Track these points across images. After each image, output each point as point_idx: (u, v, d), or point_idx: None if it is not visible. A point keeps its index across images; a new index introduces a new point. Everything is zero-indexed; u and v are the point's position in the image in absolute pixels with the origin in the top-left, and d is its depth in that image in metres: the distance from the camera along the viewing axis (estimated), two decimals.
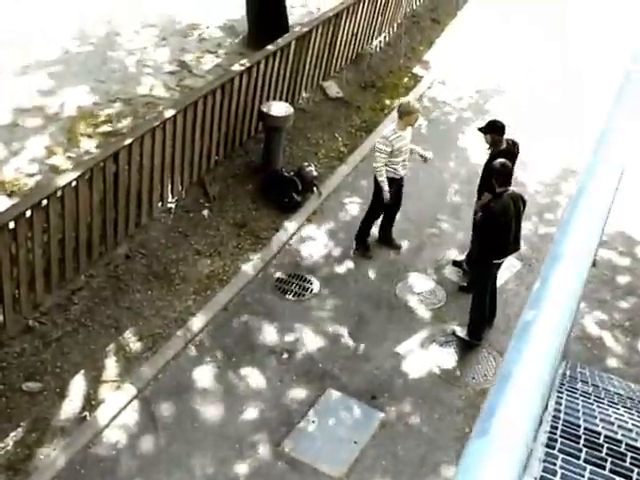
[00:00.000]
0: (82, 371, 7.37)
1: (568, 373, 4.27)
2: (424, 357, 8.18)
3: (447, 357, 8.21)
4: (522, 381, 1.24)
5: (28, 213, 7.02)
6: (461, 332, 8.40)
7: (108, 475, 6.65)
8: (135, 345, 7.74)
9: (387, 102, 12.32)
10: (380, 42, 13.52)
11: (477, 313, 8.22)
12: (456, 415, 7.52)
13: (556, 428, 3.20)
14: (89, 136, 9.68)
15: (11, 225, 6.84)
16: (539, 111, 12.58)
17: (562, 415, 3.40)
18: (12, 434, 6.71)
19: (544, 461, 2.84)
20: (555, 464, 2.77)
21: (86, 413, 7.04)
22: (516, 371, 1.26)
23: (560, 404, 3.49)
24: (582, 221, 1.57)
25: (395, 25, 14.00)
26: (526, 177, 11.17)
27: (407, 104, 8.91)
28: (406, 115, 8.70)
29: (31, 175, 8.88)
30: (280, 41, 10.49)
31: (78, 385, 7.25)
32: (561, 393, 3.68)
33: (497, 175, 7.76)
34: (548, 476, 2.72)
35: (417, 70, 13.51)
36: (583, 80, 13.46)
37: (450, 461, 7.04)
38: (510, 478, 1.11)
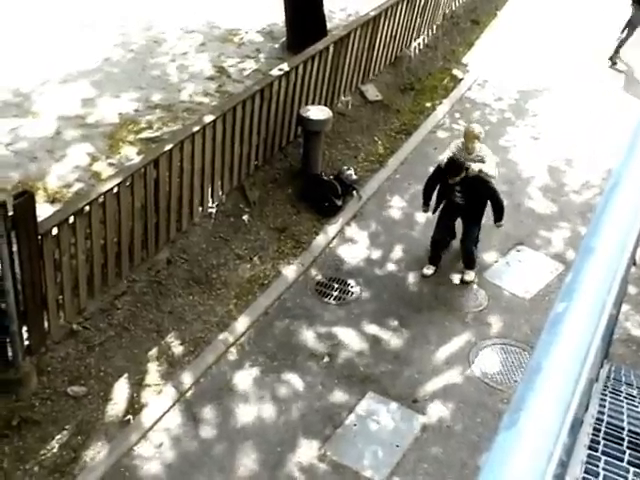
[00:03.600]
0: (125, 375, 7.45)
1: (612, 376, 4.20)
2: (465, 360, 8.11)
3: (489, 360, 8.13)
4: (551, 373, 1.22)
5: (71, 219, 7.12)
6: (468, 276, 8.99)
7: (151, 477, 6.71)
8: (177, 349, 7.80)
9: (427, 105, 12.28)
10: (419, 44, 13.47)
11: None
12: (499, 419, 7.41)
13: (599, 430, 3.15)
14: (130, 143, 9.80)
15: (54, 231, 6.94)
16: (582, 110, 12.43)
17: (605, 417, 3.35)
18: (57, 437, 6.80)
19: (586, 463, 2.79)
20: (597, 466, 2.72)
21: (130, 416, 7.11)
22: (545, 364, 1.24)
23: (604, 406, 3.44)
24: (615, 214, 1.54)
25: (434, 27, 13.94)
26: (570, 177, 11.06)
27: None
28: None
29: (73, 182, 9.01)
30: (319, 45, 10.50)
31: (121, 389, 7.33)
32: (604, 395, 3.62)
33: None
34: (590, 477, 2.68)
35: (456, 72, 13.44)
36: (631, 80, 13.26)
37: None
38: (537, 470, 1.09)
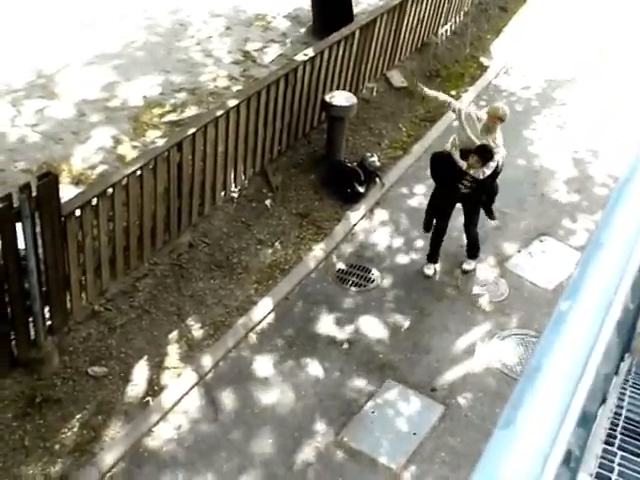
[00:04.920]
0: (145, 357, 7.50)
1: (634, 369, 4.17)
2: (485, 350, 8.08)
3: (508, 351, 8.10)
4: (551, 373, 1.21)
5: (94, 201, 7.17)
6: (468, 265, 8.93)
7: (170, 459, 6.77)
8: (197, 332, 7.85)
9: (452, 92, 12.18)
10: (446, 31, 13.36)
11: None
12: None
13: (617, 425, 3.12)
14: (154, 126, 9.84)
15: (77, 213, 6.99)
16: (610, 101, 12.28)
17: (624, 412, 3.32)
18: (78, 416, 6.88)
19: (601, 457, 2.78)
20: (613, 461, 2.70)
21: (149, 398, 7.17)
22: (545, 363, 1.23)
23: (623, 400, 3.41)
24: (627, 209, 1.52)
25: (462, 13, 13.81)
26: (595, 168, 10.96)
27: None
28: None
29: (98, 164, 9.07)
30: (344, 30, 10.45)
31: (142, 370, 7.39)
32: (624, 389, 3.59)
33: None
34: (605, 473, 2.66)
35: (483, 59, 13.32)
36: None
37: None
38: (532, 472, 1.08)
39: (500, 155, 8.35)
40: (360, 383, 7.62)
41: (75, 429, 6.79)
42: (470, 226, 8.80)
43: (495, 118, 8.36)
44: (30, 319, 6.92)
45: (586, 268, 1.39)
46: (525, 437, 1.12)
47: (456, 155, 8.29)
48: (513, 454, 1.11)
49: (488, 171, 8.21)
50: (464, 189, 8.37)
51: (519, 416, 1.15)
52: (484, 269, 9.09)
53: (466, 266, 9.00)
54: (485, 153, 8.13)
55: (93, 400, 7.04)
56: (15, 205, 6.29)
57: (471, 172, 8.23)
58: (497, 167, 8.35)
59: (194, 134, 8.12)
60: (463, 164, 8.22)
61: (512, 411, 1.17)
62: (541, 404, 1.17)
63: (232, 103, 8.67)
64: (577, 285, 1.36)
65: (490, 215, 8.91)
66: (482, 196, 8.55)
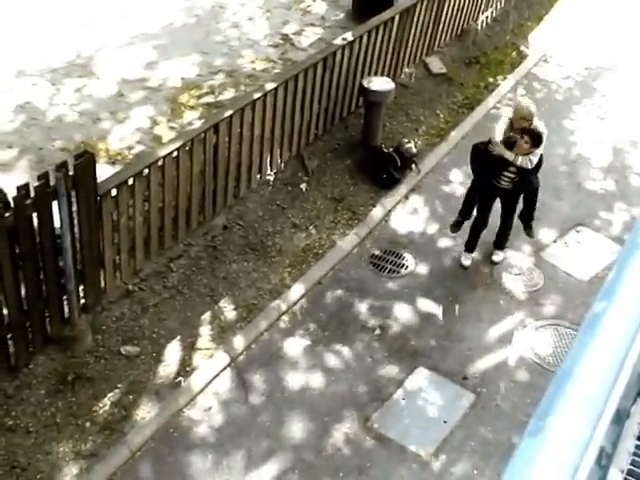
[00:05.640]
0: (178, 337, 7.55)
1: None
2: (518, 340, 8.01)
3: (542, 341, 8.02)
4: (584, 379, 1.17)
5: (130, 181, 7.20)
6: (497, 256, 8.84)
7: (199, 439, 6.81)
8: (230, 314, 7.88)
9: (490, 79, 12.03)
10: (486, 17, 13.17)
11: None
12: None
13: None
14: (192, 107, 9.85)
15: (113, 192, 7.04)
16: None
17: None
18: (109, 395, 6.94)
19: (633, 454, 2.73)
20: None
21: (180, 378, 7.22)
22: (578, 367, 1.18)
23: None
24: None
25: (503, 0, 13.61)
26: (634, 159, 10.77)
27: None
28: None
29: (134, 144, 9.12)
30: (384, 15, 10.35)
31: (174, 351, 7.44)
32: None
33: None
34: (636, 469, 2.62)
35: (523, 47, 13.12)
36: None
37: None
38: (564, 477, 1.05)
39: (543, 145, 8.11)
40: (391, 370, 7.60)
41: (106, 407, 6.85)
42: (507, 215, 8.64)
43: (520, 119, 8.08)
44: (64, 297, 6.99)
45: (622, 269, 1.35)
46: (555, 446, 1.09)
47: (501, 146, 8.03)
48: (542, 464, 1.08)
49: (535, 159, 7.99)
50: (506, 184, 8.17)
51: (549, 424, 1.12)
52: (519, 258, 8.99)
53: (495, 257, 8.87)
54: (537, 136, 7.90)
55: (125, 379, 7.10)
56: (52, 183, 6.35)
57: (519, 162, 7.94)
58: (541, 158, 8.15)
59: (231, 116, 8.12)
60: (510, 155, 7.97)
61: (542, 418, 1.13)
62: (572, 411, 1.13)
63: (270, 86, 8.64)
64: (613, 286, 1.31)
65: (528, 229, 8.71)
66: (524, 191, 8.38)
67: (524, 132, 7.90)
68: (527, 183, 8.25)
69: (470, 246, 8.81)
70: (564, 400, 1.16)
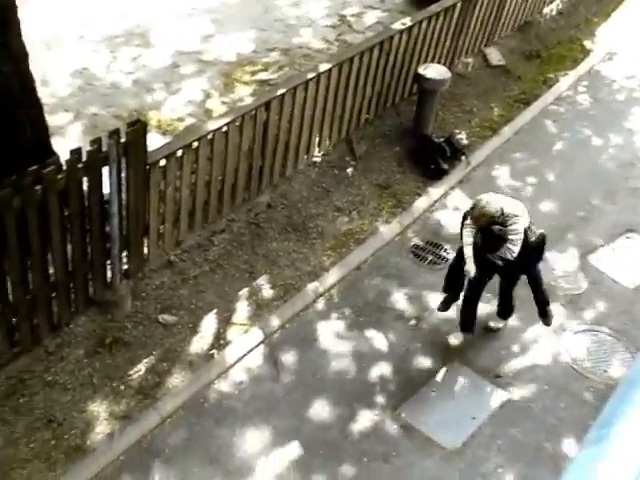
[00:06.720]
0: (215, 310, 7.60)
1: None
2: (555, 343, 7.91)
3: (579, 346, 7.91)
4: None
5: (179, 153, 7.25)
6: (495, 323, 7.92)
7: (228, 412, 6.88)
8: (267, 292, 7.90)
9: (550, 75, 11.82)
10: (552, 10, 12.93)
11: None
12: (582, 407, 7.24)
13: None
14: (245, 83, 9.87)
15: (162, 163, 7.09)
16: None
17: None
18: (145, 360, 7.05)
19: None
20: None
21: (214, 351, 7.28)
22: None
23: None
24: None
25: None
26: None
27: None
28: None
29: (186, 116, 9.16)
30: (446, 1, 10.22)
31: (209, 323, 7.50)
32: None
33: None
34: None
35: (587, 43, 12.85)
36: None
37: (569, 453, 6.81)
38: None
39: (520, 226, 6.91)
40: (424, 361, 7.57)
41: (141, 372, 6.96)
42: (506, 289, 7.64)
43: (479, 217, 6.93)
44: (108, 262, 7.10)
45: None
46: (619, 456, 1.05)
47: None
48: (604, 476, 1.04)
49: (515, 248, 6.85)
50: (501, 262, 7.08)
51: (612, 433, 1.08)
52: (564, 259, 8.85)
53: (492, 324, 7.93)
54: (497, 237, 6.88)
55: (160, 347, 7.19)
56: (104, 149, 6.41)
57: (498, 253, 6.96)
58: (542, 238, 7.19)
59: (283, 95, 8.11)
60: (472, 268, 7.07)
61: (604, 426, 1.10)
62: (636, 421, 1.09)
63: (324, 67, 8.60)
64: None
65: (545, 317, 7.73)
66: (522, 274, 7.43)
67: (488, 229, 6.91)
68: (521, 269, 7.39)
69: (464, 326, 7.71)
70: (631, 409, 1.12)
